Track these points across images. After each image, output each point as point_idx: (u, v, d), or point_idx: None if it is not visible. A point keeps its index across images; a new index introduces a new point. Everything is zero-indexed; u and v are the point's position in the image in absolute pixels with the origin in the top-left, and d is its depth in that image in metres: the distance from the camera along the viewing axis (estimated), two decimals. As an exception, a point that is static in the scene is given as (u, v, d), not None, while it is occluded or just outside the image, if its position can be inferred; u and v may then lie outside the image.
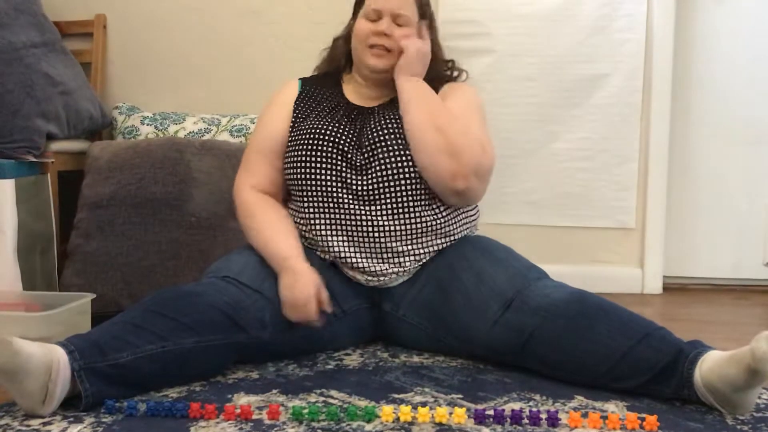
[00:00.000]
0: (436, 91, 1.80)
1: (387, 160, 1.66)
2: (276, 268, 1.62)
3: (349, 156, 1.68)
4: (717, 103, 2.82)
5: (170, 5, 2.79)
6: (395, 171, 1.66)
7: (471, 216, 1.81)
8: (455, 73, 1.89)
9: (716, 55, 2.81)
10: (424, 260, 1.71)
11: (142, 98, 2.77)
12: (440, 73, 1.86)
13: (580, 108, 2.71)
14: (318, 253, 1.72)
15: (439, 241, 1.71)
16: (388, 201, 1.66)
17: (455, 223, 1.74)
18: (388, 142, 1.67)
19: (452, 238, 1.73)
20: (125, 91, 2.81)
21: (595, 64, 2.69)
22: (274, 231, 1.68)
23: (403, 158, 1.66)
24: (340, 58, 1.87)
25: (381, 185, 1.66)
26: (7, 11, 2.26)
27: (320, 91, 1.84)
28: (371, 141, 1.69)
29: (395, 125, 1.70)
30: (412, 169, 1.66)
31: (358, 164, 1.68)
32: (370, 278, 1.70)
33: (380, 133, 1.69)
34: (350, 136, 1.71)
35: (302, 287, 1.57)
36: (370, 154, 1.67)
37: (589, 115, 2.71)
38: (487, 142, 1.70)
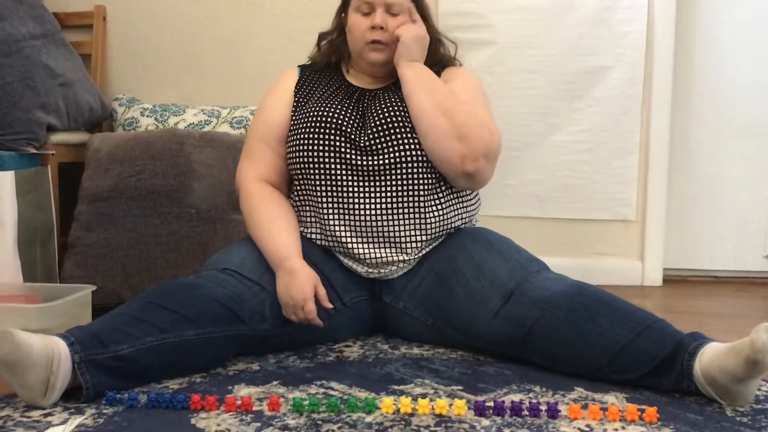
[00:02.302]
0: (438, 75, 1.80)
1: (395, 142, 1.65)
2: (273, 267, 1.62)
3: (353, 137, 1.67)
4: (718, 96, 2.81)
5: (170, -3, 2.79)
6: (402, 153, 1.65)
7: (472, 206, 1.81)
8: (455, 58, 1.88)
9: (717, 47, 2.80)
10: (424, 249, 1.71)
11: (142, 90, 2.77)
12: (440, 57, 1.85)
13: (580, 100, 2.71)
14: (318, 242, 1.72)
15: (439, 228, 1.71)
16: (393, 183, 1.66)
17: (456, 210, 1.74)
18: (395, 124, 1.67)
19: (452, 226, 1.73)
20: (125, 82, 2.81)
21: (596, 57, 2.68)
22: (273, 228, 1.67)
23: (410, 140, 1.66)
24: (340, 51, 1.86)
25: (387, 166, 1.65)
26: (7, 3, 2.26)
27: (320, 75, 1.84)
28: (377, 123, 1.68)
29: (401, 107, 1.70)
30: (418, 152, 1.66)
31: (362, 145, 1.67)
32: (370, 270, 1.71)
33: (386, 114, 1.68)
34: (353, 117, 1.70)
35: (299, 287, 1.56)
36: (377, 135, 1.67)
37: (589, 108, 2.71)
38: (493, 124, 1.69)
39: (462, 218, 1.76)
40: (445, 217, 1.72)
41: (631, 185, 2.74)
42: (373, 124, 1.68)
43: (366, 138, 1.67)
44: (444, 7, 2.69)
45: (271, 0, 2.76)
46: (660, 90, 2.70)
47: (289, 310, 1.58)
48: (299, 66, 1.88)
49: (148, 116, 2.56)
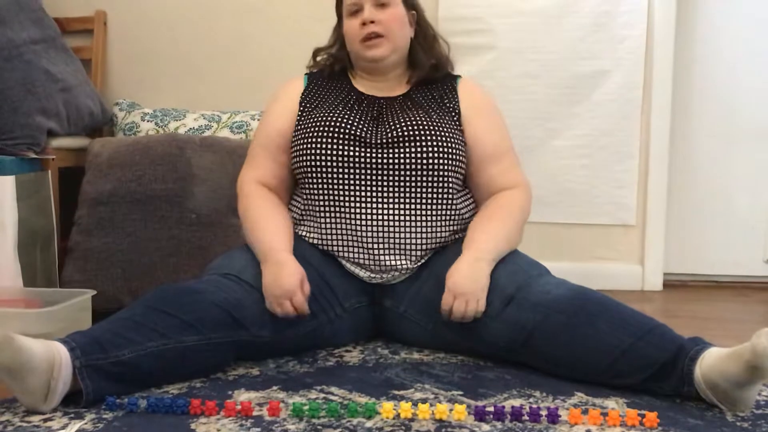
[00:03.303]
0: (445, 81, 1.81)
1: (413, 144, 1.66)
2: (261, 261, 1.62)
3: (366, 139, 1.67)
4: (718, 100, 2.82)
5: (171, 2, 2.79)
6: (418, 156, 1.65)
7: (474, 210, 1.80)
8: (448, 58, 1.88)
9: (717, 52, 2.81)
10: (427, 255, 1.71)
11: (142, 94, 2.77)
12: (437, 54, 1.84)
13: (580, 105, 2.71)
14: (322, 247, 1.72)
15: (447, 236, 1.71)
16: (405, 189, 1.66)
17: (465, 218, 1.74)
18: (416, 127, 1.67)
19: (459, 235, 1.73)
20: (125, 87, 2.81)
21: (596, 61, 2.69)
22: (264, 224, 1.68)
23: (428, 146, 1.66)
24: (343, 62, 1.85)
25: (402, 167, 1.65)
26: (8, 7, 2.26)
27: (328, 84, 1.83)
28: (396, 125, 1.68)
29: (421, 115, 1.70)
30: (434, 159, 1.66)
31: (376, 142, 1.67)
32: (372, 275, 1.70)
33: (407, 119, 1.69)
34: (365, 121, 1.70)
35: (288, 278, 1.55)
36: (395, 136, 1.67)
37: (589, 112, 2.71)
38: (522, 174, 1.78)
39: (464, 225, 1.75)
40: (454, 225, 1.72)
41: (631, 190, 2.74)
42: (390, 126, 1.68)
43: (382, 136, 1.67)
44: (444, 12, 2.70)
45: (272, 5, 2.77)
46: (660, 94, 2.71)
47: (274, 303, 1.56)
48: (306, 74, 1.88)
49: (148, 121, 2.56)
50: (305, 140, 1.70)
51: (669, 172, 2.75)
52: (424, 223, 1.68)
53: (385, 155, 1.66)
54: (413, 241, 1.68)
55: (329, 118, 1.70)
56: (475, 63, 2.70)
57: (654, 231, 2.75)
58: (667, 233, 2.77)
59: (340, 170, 1.67)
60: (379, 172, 1.66)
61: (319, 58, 1.88)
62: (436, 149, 1.66)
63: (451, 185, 1.70)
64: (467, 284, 1.56)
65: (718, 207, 2.84)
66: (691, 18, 2.79)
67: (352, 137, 1.67)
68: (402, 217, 1.67)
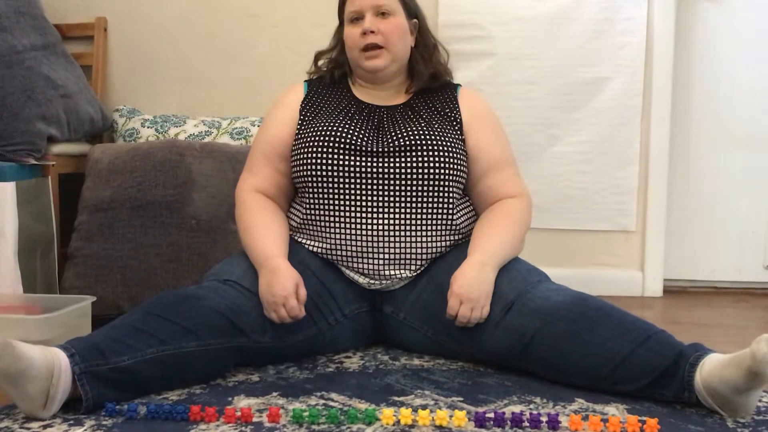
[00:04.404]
0: (445, 91, 1.81)
1: (414, 153, 1.66)
2: (257, 267, 1.62)
3: (366, 148, 1.67)
4: (717, 106, 2.82)
5: (171, 8, 2.80)
6: (417, 169, 1.65)
7: (473, 220, 1.80)
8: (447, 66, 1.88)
9: (717, 59, 2.81)
10: (426, 265, 1.71)
11: (142, 101, 2.78)
12: (436, 63, 1.84)
13: (580, 111, 2.72)
14: (322, 255, 1.72)
15: (447, 245, 1.71)
16: (406, 197, 1.66)
17: (464, 227, 1.74)
18: (417, 137, 1.67)
19: (458, 244, 1.73)
20: (126, 93, 2.81)
21: (596, 68, 2.69)
22: (260, 230, 1.68)
23: (430, 156, 1.66)
24: (343, 67, 1.85)
25: (399, 183, 1.65)
26: (8, 14, 2.27)
27: (328, 91, 1.83)
28: (397, 134, 1.68)
29: (422, 124, 1.70)
30: (435, 170, 1.66)
31: (376, 150, 1.66)
32: (372, 281, 1.70)
33: (408, 129, 1.69)
34: (365, 130, 1.70)
35: (280, 284, 1.55)
36: (393, 151, 1.66)
37: (589, 119, 2.72)
38: (521, 183, 1.78)
39: (464, 234, 1.75)
40: (453, 234, 1.72)
41: (631, 196, 2.74)
42: (392, 136, 1.68)
43: (383, 145, 1.67)
44: (443, 19, 2.70)
45: (272, 10, 2.78)
46: (659, 101, 2.71)
47: (269, 309, 1.56)
48: (306, 81, 1.87)
49: (148, 127, 2.56)
50: (306, 150, 1.70)
51: (669, 178, 2.75)
52: (424, 233, 1.68)
53: (386, 165, 1.66)
54: (414, 250, 1.68)
55: (330, 128, 1.70)
56: (475, 69, 2.70)
57: (654, 237, 2.75)
58: (667, 239, 2.77)
59: (341, 180, 1.67)
60: (381, 181, 1.66)
61: (320, 63, 1.88)
62: (438, 159, 1.66)
63: (452, 195, 1.70)
64: (474, 287, 1.56)
65: (718, 213, 2.84)
66: (691, 25, 2.79)
67: (352, 147, 1.67)
68: (403, 227, 1.67)
